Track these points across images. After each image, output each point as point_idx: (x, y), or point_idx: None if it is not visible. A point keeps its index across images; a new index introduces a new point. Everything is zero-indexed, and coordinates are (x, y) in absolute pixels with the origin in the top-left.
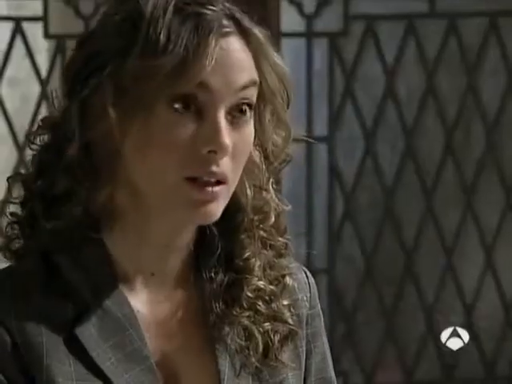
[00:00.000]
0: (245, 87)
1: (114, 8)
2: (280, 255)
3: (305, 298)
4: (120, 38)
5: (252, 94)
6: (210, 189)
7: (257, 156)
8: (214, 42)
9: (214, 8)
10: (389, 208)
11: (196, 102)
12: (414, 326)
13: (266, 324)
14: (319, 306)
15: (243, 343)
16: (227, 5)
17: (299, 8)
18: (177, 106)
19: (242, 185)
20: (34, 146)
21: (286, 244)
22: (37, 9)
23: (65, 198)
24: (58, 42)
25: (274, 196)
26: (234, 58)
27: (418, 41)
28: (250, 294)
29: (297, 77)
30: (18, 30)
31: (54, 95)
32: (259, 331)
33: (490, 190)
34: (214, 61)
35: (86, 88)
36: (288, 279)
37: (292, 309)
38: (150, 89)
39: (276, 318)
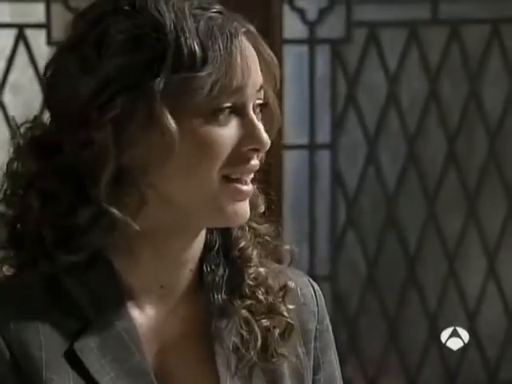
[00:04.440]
0: (261, 87)
1: (121, 22)
2: (271, 237)
3: (311, 314)
4: (143, 53)
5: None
6: (244, 187)
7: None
8: (241, 44)
9: (221, 11)
10: (391, 214)
11: (232, 104)
12: (416, 333)
13: (264, 320)
14: (328, 319)
15: (244, 335)
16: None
17: (302, 15)
18: (220, 115)
19: None
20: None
21: (271, 232)
22: (40, 16)
23: (85, 228)
24: None
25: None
26: (254, 57)
27: (421, 47)
28: (250, 283)
29: (299, 83)
30: (21, 37)
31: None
32: (259, 326)
33: (493, 196)
34: (247, 64)
35: (114, 109)
36: (290, 283)
37: (295, 314)
38: (192, 104)
39: (273, 310)
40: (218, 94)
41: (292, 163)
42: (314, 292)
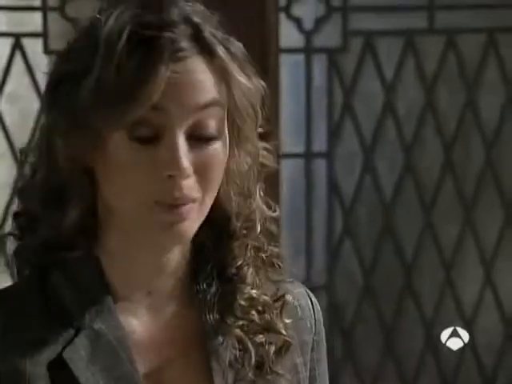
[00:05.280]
0: (202, 107)
1: (79, 32)
2: (272, 264)
3: (308, 325)
4: (79, 63)
5: (215, 113)
6: (177, 210)
7: (238, 164)
8: (163, 68)
9: (172, 29)
10: (388, 224)
11: (152, 127)
12: (413, 341)
13: (260, 336)
14: (323, 331)
15: (238, 354)
16: (195, 20)
17: (298, 24)
18: (133, 131)
19: (227, 193)
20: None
21: (278, 253)
22: (36, 25)
23: (38, 218)
24: None
25: (260, 203)
26: (189, 80)
27: (417, 57)
28: (243, 303)
29: (296, 92)
30: (17, 46)
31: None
32: (253, 343)
33: (489, 205)
34: (164, 85)
35: (50, 115)
36: (288, 297)
37: (292, 328)
38: (104, 118)
39: (269, 328)
40: (124, 108)
41: (288, 172)
42: (312, 303)
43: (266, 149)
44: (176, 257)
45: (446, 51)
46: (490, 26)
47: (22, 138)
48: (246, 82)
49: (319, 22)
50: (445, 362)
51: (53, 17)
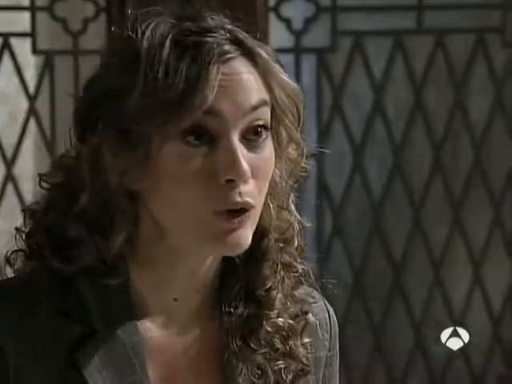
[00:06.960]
0: (255, 108)
1: (114, 46)
2: (300, 282)
3: (325, 343)
4: (121, 78)
5: (265, 113)
6: (235, 219)
7: (277, 175)
8: (215, 69)
9: (213, 35)
10: (377, 223)
11: (207, 132)
12: (402, 341)
13: (280, 362)
14: (338, 346)
15: (256, 381)
16: (228, 27)
17: (288, 24)
18: (187, 138)
19: (266, 206)
20: (45, 184)
21: (305, 269)
22: (25, 25)
23: (76, 243)
24: (46, 57)
25: (296, 216)
26: (239, 81)
27: (406, 57)
28: (269, 329)
29: None
30: (5, 46)
31: (70, 134)
32: (272, 369)
33: (478, 205)
34: (217, 87)
35: (95, 134)
36: (310, 317)
37: (310, 347)
38: (156, 127)
39: (291, 355)
40: (178, 115)
41: None
42: (329, 318)
43: (304, 153)
44: (213, 267)
45: (435, 51)
46: (478, 26)
47: (10, 138)
48: (288, 81)
49: (308, 22)
50: (434, 362)
51: (41, 17)
